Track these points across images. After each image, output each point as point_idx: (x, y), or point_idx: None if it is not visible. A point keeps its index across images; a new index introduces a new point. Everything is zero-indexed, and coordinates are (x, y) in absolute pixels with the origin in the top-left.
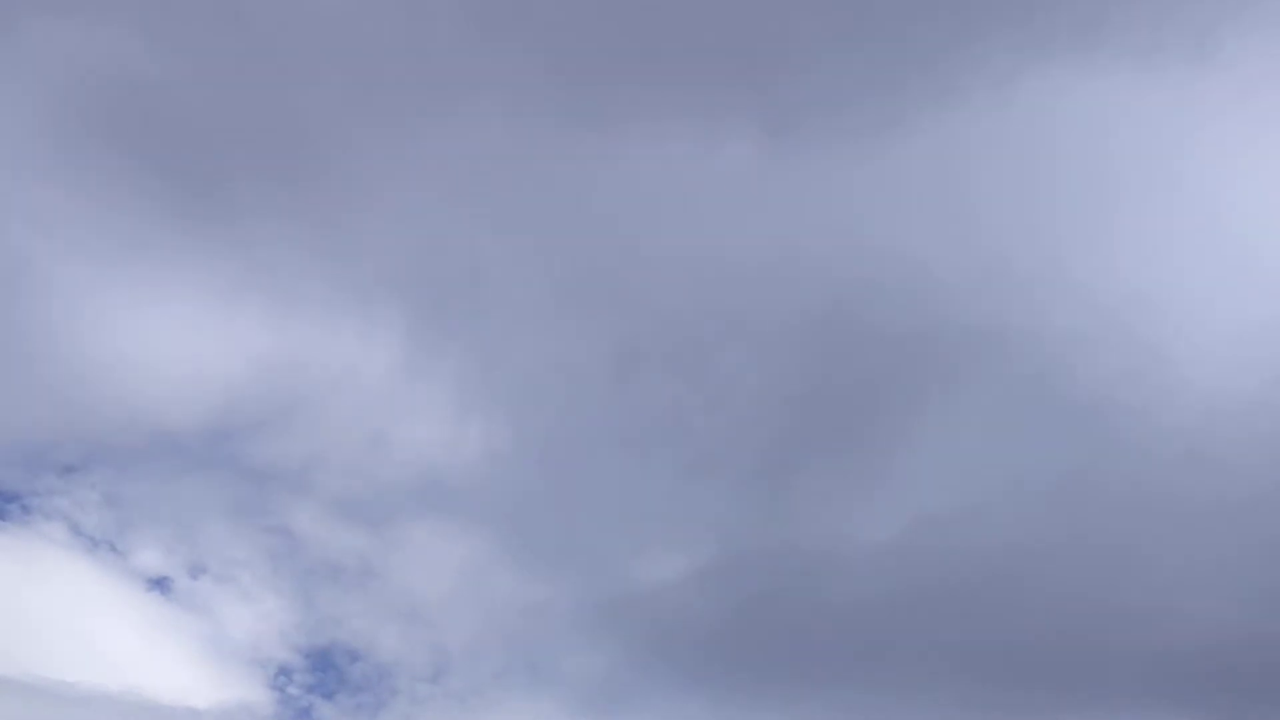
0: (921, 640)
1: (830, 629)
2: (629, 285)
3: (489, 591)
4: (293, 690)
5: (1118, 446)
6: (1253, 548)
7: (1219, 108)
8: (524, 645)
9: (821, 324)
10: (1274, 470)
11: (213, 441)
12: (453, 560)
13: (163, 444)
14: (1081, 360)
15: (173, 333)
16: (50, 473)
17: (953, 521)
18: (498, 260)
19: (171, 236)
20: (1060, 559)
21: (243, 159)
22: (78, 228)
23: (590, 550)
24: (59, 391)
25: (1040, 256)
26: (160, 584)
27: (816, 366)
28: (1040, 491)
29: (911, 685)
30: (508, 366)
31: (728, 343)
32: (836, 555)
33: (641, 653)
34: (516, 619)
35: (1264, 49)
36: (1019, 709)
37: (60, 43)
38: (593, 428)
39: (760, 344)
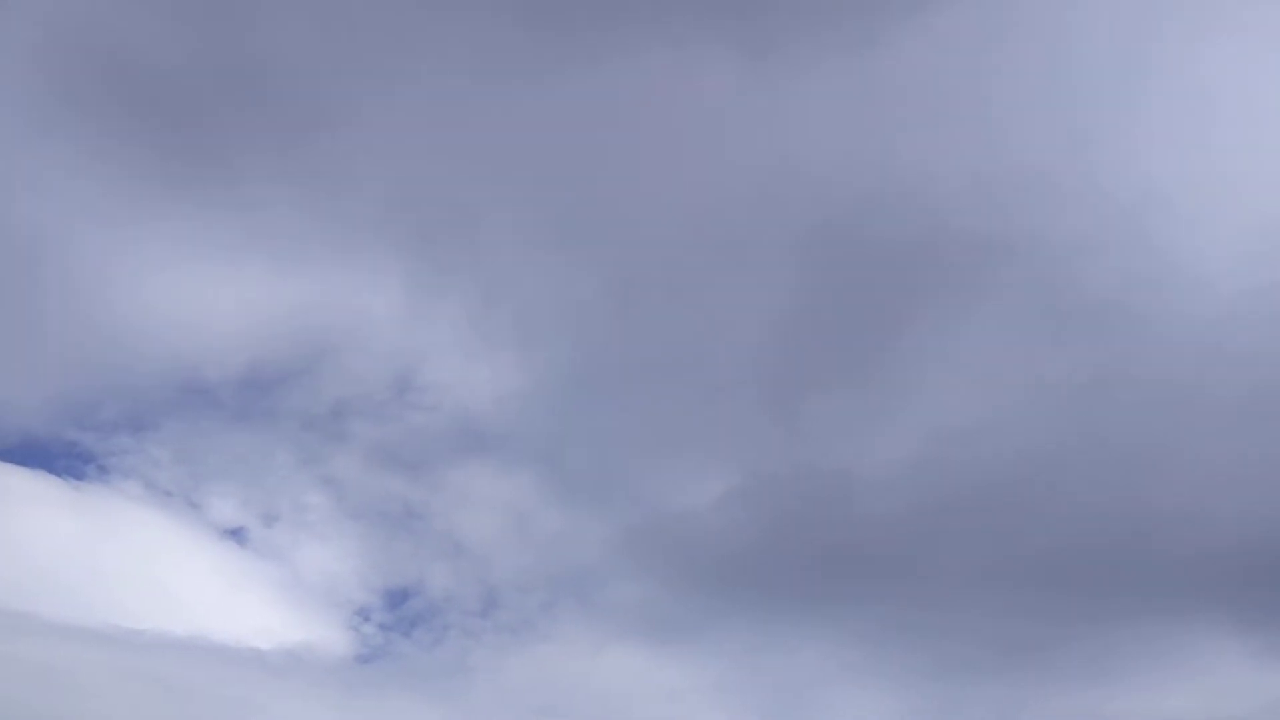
0: (952, 552)
1: (859, 546)
2: (623, 218)
3: (530, 527)
4: (368, 629)
5: (1137, 346)
6: None
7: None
8: (568, 577)
9: (820, 241)
10: None
11: (247, 394)
12: (491, 499)
13: (201, 399)
14: (1092, 262)
15: (186, 293)
16: (122, 432)
17: (973, 432)
18: (489, 201)
19: (174, 202)
20: (1086, 463)
21: (235, 127)
22: (88, 195)
23: (620, 480)
24: (89, 349)
25: (1039, 161)
26: (236, 534)
27: (819, 285)
28: (1060, 397)
29: (947, 597)
30: (508, 304)
31: (726, 267)
32: (857, 473)
33: (678, 577)
34: (558, 552)
35: None
36: (1057, 614)
37: (67, 18)
38: (602, 361)
39: (759, 266)
